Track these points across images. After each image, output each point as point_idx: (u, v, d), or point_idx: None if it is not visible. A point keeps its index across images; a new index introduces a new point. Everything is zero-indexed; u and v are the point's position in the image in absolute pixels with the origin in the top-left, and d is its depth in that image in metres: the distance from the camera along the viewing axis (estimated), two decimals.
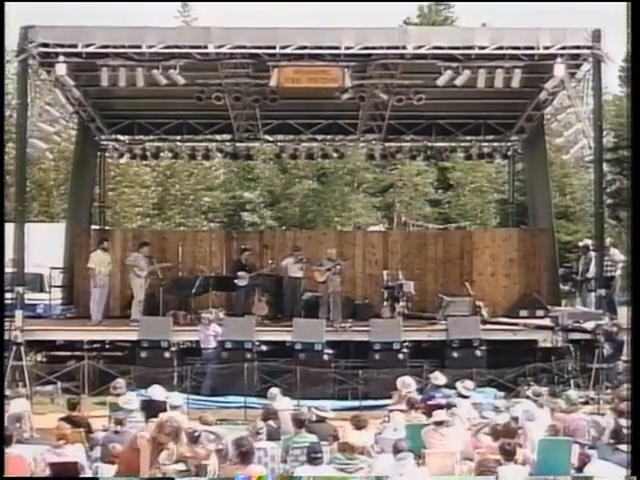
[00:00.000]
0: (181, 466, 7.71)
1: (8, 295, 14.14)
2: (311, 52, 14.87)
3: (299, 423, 9.22)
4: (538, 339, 15.68)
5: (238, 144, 20.71)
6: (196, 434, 8.20)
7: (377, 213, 35.15)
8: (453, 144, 20.69)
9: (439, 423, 9.14)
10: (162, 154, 20.94)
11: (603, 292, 14.91)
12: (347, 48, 14.81)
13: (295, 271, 17.30)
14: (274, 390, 11.82)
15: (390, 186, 35.49)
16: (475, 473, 7.81)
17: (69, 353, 15.37)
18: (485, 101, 18.18)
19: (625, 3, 10.33)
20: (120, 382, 11.23)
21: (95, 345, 15.73)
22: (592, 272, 16.17)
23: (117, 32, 14.97)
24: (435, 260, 19.34)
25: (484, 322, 15.88)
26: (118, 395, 10.74)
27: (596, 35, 14.71)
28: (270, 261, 17.85)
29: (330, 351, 14.60)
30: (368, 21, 51.43)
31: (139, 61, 14.82)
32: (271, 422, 9.58)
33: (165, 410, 10.30)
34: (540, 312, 17.01)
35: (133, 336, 15.00)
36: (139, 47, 14.70)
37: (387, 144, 20.68)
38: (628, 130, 10.79)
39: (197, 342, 15.03)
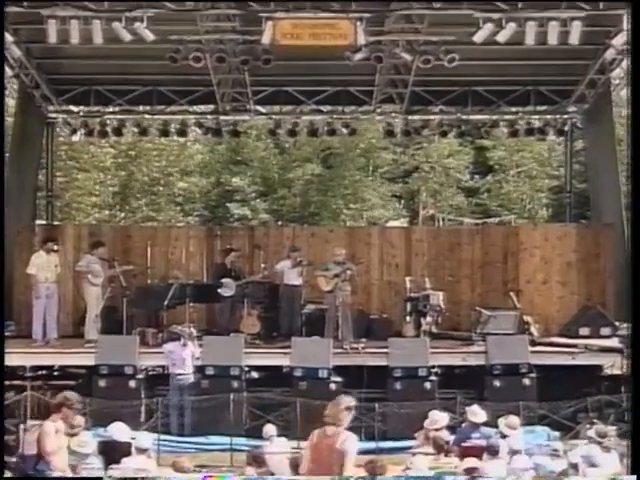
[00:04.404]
0: None
1: None
2: (314, 0, 14.86)
3: (299, 469, 9.20)
4: (603, 364, 15.66)
5: (223, 117, 20.72)
6: None
7: (397, 204, 35.13)
8: (494, 117, 20.69)
9: (471, 470, 9.13)
10: (126, 129, 20.96)
11: None
12: None
13: (293, 277, 17.30)
14: (270, 428, 11.80)
15: (414, 170, 35.44)
16: None
17: (7, 382, 15.32)
18: (535, 62, 18.15)
19: None
20: (78, 418, 11.21)
21: (40, 372, 15.72)
22: None
23: None
24: (471, 264, 19.32)
25: (534, 342, 15.87)
26: (72, 435, 10.73)
27: None
28: (262, 265, 17.86)
29: (338, 379, 14.62)
30: None
31: (96, 11, 14.79)
32: (258, 469, 9.57)
33: (129, 454, 10.30)
34: (605, 330, 16.97)
35: (89, 360, 14.99)
36: None
37: (410, 117, 20.68)
38: (628, 129, 11.45)
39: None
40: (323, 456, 8.55)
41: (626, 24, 14.70)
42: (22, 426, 9.58)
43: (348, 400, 8.83)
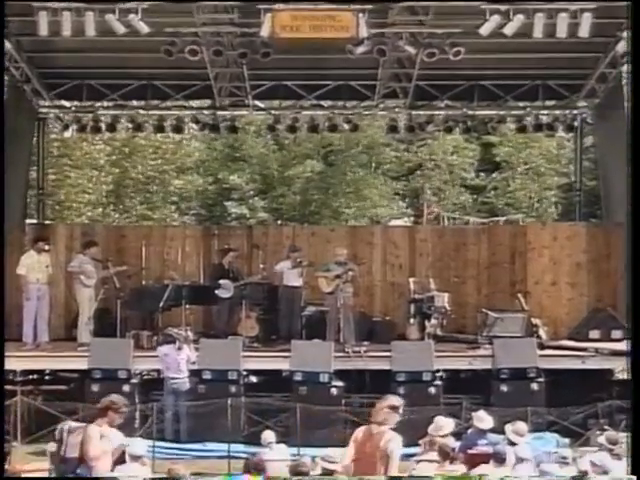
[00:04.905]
0: None
1: None
2: None
3: (300, 477, 9.20)
4: (614, 368, 15.64)
5: (220, 112, 20.69)
6: None
7: (401, 202, 35.11)
8: (501, 112, 20.65)
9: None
10: (120, 125, 20.93)
11: None
12: None
13: (293, 278, 17.31)
14: (268, 434, 11.78)
15: (418, 167, 35.41)
16: None
17: None
18: (544, 55, 18.12)
19: None
20: (70, 425, 11.22)
21: (31, 376, 15.71)
22: None
23: None
24: (477, 264, 19.33)
25: (542, 346, 15.86)
26: None
27: None
28: (261, 265, 17.85)
29: (340, 383, 14.63)
30: None
31: (89, 3, 14.78)
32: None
33: (124, 461, 10.28)
34: (617, 333, 16.97)
35: (81, 364, 14.99)
36: None
37: (414, 112, 20.65)
38: (628, 130, 11.63)
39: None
40: (367, 454, 8.87)
41: (627, 23, 14.71)
42: (66, 427, 9.64)
43: (393, 399, 9.20)
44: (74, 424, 9.49)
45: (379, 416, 8.95)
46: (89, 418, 9.77)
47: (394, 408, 9.04)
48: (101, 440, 9.37)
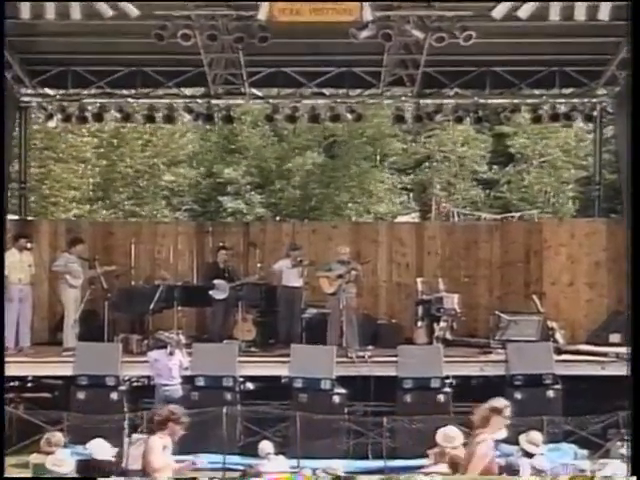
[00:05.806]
0: None
1: None
2: None
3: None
4: None
5: (214, 101, 20.67)
6: None
7: (407, 197, 35.15)
8: (515, 101, 20.61)
9: None
10: (107, 115, 20.92)
11: None
12: None
13: (293, 278, 17.34)
14: (266, 445, 11.78)
15: (426, 160, 35.47)
16: None
17: None
18: (561, 40, 18.11)
19: None
20: (57, 435, 11.28)
21: (13, 383, 15.71)
22: None
23: None
24: (489, 263, 19.36)
25: (559, 350, 15.87)
26: (49, 453, 10.76)
27: None
28: (259, 265, 17.87)
29: (342, 391, 14.63)
30: None
31: None
32: None
33: (111, 473, 10.32)
34: None
35: (66, 370, 15.00)
36: None
37: (422, 101, 20.63)
38: (628, 130, 11.77)
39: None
40: (467, 459, 9.26)
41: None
42: (127, 439, 9.80)
43: (496, 401, 9.48)
44: (136, 436, 9.68)
45: (479, 418, 9.26)
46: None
47: (496, 410, 9.27)
48: (163, 451, 9.53)
